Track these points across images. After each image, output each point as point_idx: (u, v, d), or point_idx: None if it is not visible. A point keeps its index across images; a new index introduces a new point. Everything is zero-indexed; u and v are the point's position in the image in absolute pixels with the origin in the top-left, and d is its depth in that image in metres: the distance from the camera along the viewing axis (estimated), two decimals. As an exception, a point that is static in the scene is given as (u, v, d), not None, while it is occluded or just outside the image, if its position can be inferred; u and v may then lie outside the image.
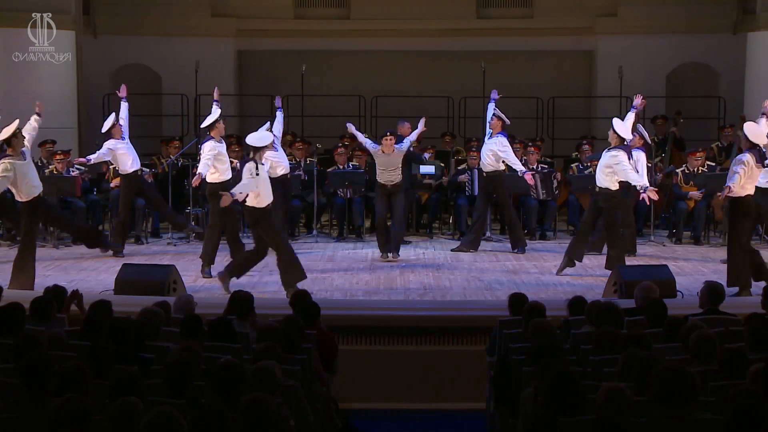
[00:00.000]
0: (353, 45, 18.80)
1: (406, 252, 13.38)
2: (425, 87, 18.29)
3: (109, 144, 13.22)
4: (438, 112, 17.64)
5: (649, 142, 13.85)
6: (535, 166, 14.90)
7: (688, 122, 16.92)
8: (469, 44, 18.62)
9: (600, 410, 5.08)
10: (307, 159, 15.17)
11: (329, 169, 14.94)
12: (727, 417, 4.81)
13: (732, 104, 17.61)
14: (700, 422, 5.08)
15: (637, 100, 12.38)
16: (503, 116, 13.41)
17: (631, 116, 12.31)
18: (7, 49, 15.78)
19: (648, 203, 12.34)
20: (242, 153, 15.56)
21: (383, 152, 12.78)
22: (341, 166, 14.91)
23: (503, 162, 13.46)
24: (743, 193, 10.59)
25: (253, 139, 10.80)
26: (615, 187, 11.52)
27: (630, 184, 11.76)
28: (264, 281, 11.49)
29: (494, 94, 13.61)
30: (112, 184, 14.40)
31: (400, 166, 12.86)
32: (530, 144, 15.43)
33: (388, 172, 12.84)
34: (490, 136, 13.42)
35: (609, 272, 11.08)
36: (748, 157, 10.50)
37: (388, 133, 12.94)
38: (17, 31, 15.69)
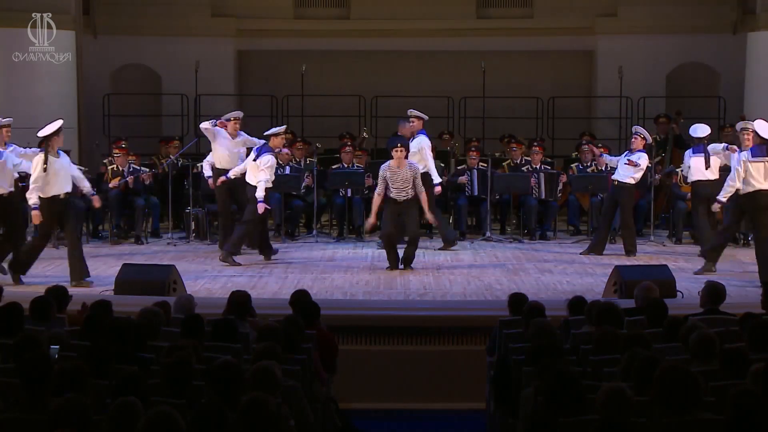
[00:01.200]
0: (353, 45, 18.80)
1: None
2: (425, 87, 18.29)
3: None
4: (438, 112, 17.64)
5: (650, 141, 13.88)
6: (538, 167, 14.89)
7: (688, 122, 16.87)
8: (469, 44, 18.62)
9: (600, 410, 5.07)
10: (307, 159, 15.17)
11: (333, 167, 14.92)
12: (727, 417, 4.81)
13: (732, 104, 17.61)
14: (700, 422, 5.07)
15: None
16: (420, 114, 13.52)
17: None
18: (7, 49, 15.77)
19: None
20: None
21: (393, 167, 11.92)
22: (347, 165, 14.90)
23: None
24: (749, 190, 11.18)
25: (42, 130, 10.99)
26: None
27: (645, 182, 12.77)
28: (264, 281, 11.50)
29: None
30: (111, 185, 14.37)
31: (412, 181, 11.95)
32: (535, 144, 15.41)
33: (400, 188, 11.95)
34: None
35: (609, 272, 11.07)
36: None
37: (399, 144, 12.08)
38: (17, 31, 15.68)
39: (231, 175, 12.67)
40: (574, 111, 18.43)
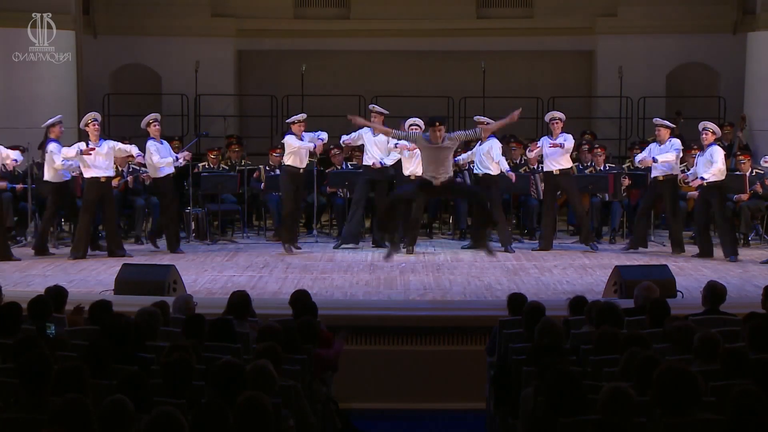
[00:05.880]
0: (353, 45, 18.81)
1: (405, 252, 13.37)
2: (425, 87, 18.30)
3: (288, 137, 13.47)
4: (438, 112, 17.62)
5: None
6: (535, 167, 14.87)
7: (688, 122, 16.93)
8: (469, 44, 18.63)
9: (602, 410, 5.07)
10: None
11: (328, 170, 14.93)
12: (728, 417, 4.80)
13: (732, 104, 17.63)
14: (701, 422, 5.07)
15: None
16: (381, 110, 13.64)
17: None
18: (7, 49, 15.78)
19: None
20: (241, 153, 15.62)
21: (431, 143, 10.63)
22: (338, 167, 14.91)
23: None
24: None
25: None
26: None
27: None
28: (264, 281, 11.50)
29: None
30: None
31: (451, 159, 10.82)
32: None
33: (435, 167, 10.65)
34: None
35: (609, 272, 11.05)
36: None
37: (438, 123, 10.68)
38: (17, 31, 15.68)
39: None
40: (574, 111, 18.37)
